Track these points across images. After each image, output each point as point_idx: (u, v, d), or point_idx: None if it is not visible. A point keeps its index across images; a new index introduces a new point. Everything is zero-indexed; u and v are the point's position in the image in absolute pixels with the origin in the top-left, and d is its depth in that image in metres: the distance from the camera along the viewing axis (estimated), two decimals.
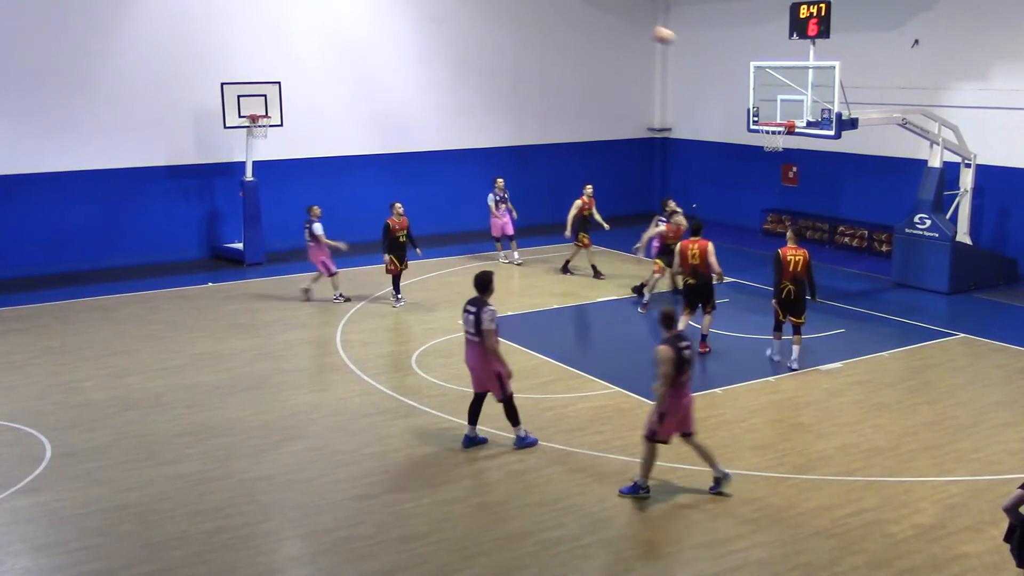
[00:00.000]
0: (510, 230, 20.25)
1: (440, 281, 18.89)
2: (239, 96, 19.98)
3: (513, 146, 24.86)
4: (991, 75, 19.21)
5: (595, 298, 17.71)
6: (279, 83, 20.43)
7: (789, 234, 13.78)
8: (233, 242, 21.26)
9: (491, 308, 10.45)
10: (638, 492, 9.59)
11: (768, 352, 13.98)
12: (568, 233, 19.06)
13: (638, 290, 17.38)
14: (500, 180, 20.43)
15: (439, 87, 23.70)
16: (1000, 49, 18.99)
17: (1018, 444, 10.97)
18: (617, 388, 12.67)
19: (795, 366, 13.53)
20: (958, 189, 18.34)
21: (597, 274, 19.18)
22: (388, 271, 17.00)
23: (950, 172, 18.17)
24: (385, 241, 16.84)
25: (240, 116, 20.01)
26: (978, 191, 18.69)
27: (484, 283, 10.67)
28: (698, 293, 14.24)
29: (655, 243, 17.15)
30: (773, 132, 17.43)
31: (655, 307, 16.59)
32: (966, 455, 10.66)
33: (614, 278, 19.03)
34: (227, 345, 14.95)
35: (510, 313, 16.78)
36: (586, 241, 19.03)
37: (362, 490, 9.90)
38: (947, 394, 12.64)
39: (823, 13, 16.62)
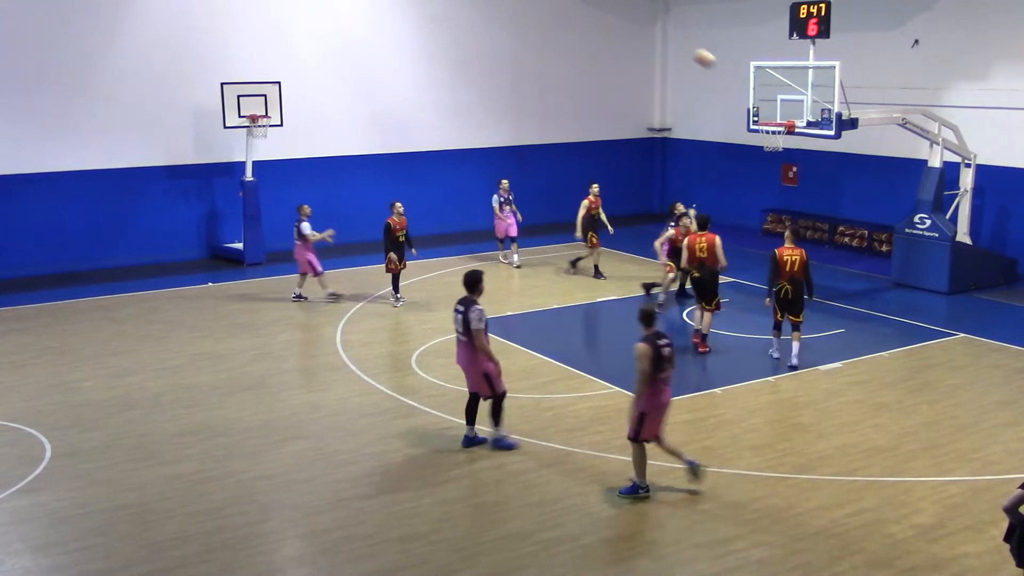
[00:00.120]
0: (513, 232, 20.14)
1: (440, 281, 18.89)
2: (239, 96, 19.99)
3: (513, 146, 24.86)
4: (991, 75, 19.21)
5: (595, 298, 17.71)
6: (279, 83, 20.43)
7: (787, 233, 13.83)
8: (233, 242, 21.26)
9: (479, 307, 10.45)
10: (637, 492, 9.60)
11: (770, 351, 13.98)
12: (579, 234, 18.95)
13: (648, 288, 17.36)
14: (505, 181, 20.32)
15: (439, 87, 23.70)
16: (1000, 49, 18.99)
17: (1018, 444, 10.97)
18: (617, 388, 12.66)
19: (795, 361, 13.57)
20: (958, 189, 18.35)
21: (597, 274, 19.16)
22: (388, 270, 17.01)
23: (950, 172, 18.17)
24: (386, 240, 16.85)
25: (240, 116, 20.01)
26: (978, 191, 18.70)
27: (473, 282, 10.68)
28: (702, 286, 14.42)
29: (665, 247, 17.14)
30: (773, 132, 17.42)
31: (670, 307, 16.66)
32: (966, 455, 10.66)
33: (614, 278, 19.02)
34: (227, 345, 14.95)
35: (510, 313, 16.80)
36: (595, 241, 18.98)
37: (362, 490, 9.90)
38: (947, 394, 12.64)
39: (823, 13, 16.62)
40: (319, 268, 17.32)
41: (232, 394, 12.79)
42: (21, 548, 8.81)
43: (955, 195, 18.32)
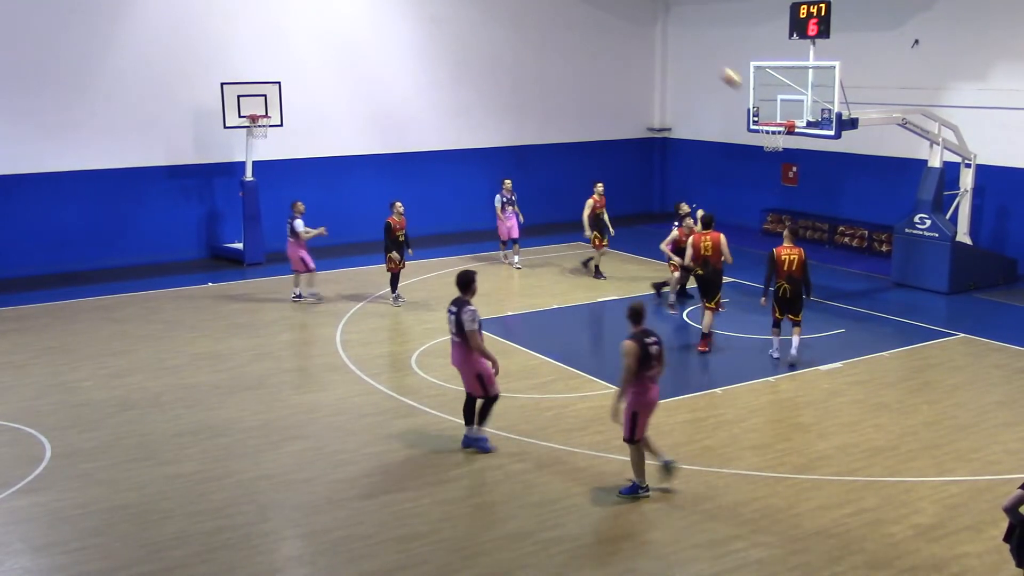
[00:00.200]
0: (515, 233, 20.01)
1: (440, 281, 18.87)
2: (239, 96, 19.98)
3: (513, 146, 24.85)
4: (991, 75, 19.21)
5: (595, 298, 17.70)
6: (279, 83, 20.43)
7: (785, 232, 13.88)
8: (233, 242, 21.26)
9: (471, 308, 10.43)
10: (637, 492, 9.60)
11: (770, 351, 13.99)
12: (588, 233, 18.86)
13: (659, 287, 17.33)
14: (508, 181, 20.16)
15: (439, 87, 23.70)
16: (1000, 49, 18.99)
17: (1018, 444, 10.97)
18: (617, 388, 12.63)
19: (794, 353, 13.69)
20: (958, 189, 18.35)
21: (598, 274, 19.15)
22: (389, 269, 17.02)
23: (950, 172, 18.17)
24: (387, 240, 16.86)
25: (240, 116, 20.01)
26: (978, 191, 18.70)
27: (466, 283, 10.65)
28: (706, 284, 14.51)
29: (668, 247, 17.09)
30: (773, 132, 17.42)
31: (680, 304, 16.66)
32: (966, 455, 10.66)
33: (615, 278, 19.02)
34: (227, 345, 14.95)
35: (510, 313, 16.81)
36: (597, 241, 18.92)
37: (362, 490, 9.90)
38: (947, 394, 12.64)
39: (823, 13, 16.62)
40: (311, 265, 17.29)
41: (232, 394, 12.79)
42: (21, 548, 8.81)
43: (955, 195, 18.32)
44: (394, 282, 17.17)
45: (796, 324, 13.64)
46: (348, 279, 19.20)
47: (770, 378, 13.24)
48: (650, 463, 9.77)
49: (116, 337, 15.43)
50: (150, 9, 20.30)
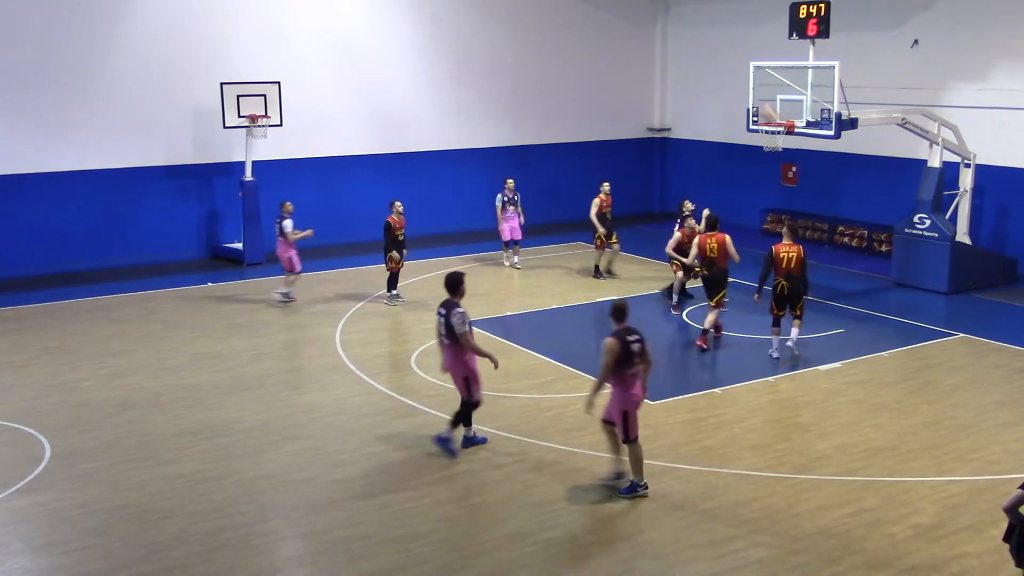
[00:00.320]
0: (518, 235, 19.92)
1: (440, 281, 18.76)
2: (239, 96, 19.98)
3: (512, 146, 24.85)
4: (991, 75, 19.21)
5: (595, 298, 17.69)
6: (279, 83, 20.43)
7: (785, 229, 13.95)
8: (233, 242, 21.25)
9: (460, 311, 10.42)
10: (636, 490, 9.61)
11: (770, 351, 13.99)
12: (601, 231, 18.71)
13: (668, 293, 17.20)
14: (510, 181, 20.02)
15: (439, 87, 23.70)
16: (1000, 49, 18.99)
17: (1018, 444, 10.97)
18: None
19: (790, 344, 13.79)
20: (958, 189, 18.35)
21: (598, 274, 19.15)
22: (388, 268, 17.02)
23: (950, 172, 18.17)
24: (387, 239, 16.86)
25: (240, 116, 20.00)
26: (978, 191, 18.70)
27: (454, 284, 10.65)
28: (711, 284, 14.62)
29: (673, 249, 17.02)
30: (773, 132, 17.43)
31: (681, 304, 16.65)
32: (966, 455, 10.66)
33: (614, 279, 19.01)
34: (227, 345, 14.94)
35: (510, 313, 16.81)
36: (600, 242, 18.90)
37: (362, 490, 9.90)
38: (947, 394, 12.64)
39: (823, 13, 16.61)
40: (297, 267, 17.16)
41: (232, 394, 12.79)
42: (21, 548, 8.81)
43: (955, 195, 18.32)
44: (393, 281, 17.17)
45: (797, 317, 13.71)
46: (348, 279, 19.20)
47: (770, 378, 13.24)
48: (649, 462, 9.77)
49: (116, 337, 15.43)
50: (150, 9, 20.30)
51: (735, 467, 10.32)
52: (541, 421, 11.66)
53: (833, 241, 22.17)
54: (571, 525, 9.14)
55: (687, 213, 16.98)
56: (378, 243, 17.32)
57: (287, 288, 17.35)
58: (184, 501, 9.66)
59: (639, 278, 18.89)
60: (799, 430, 11.55)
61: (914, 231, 18.09)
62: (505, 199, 19.77)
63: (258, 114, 20.08)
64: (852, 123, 16.65)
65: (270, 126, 20.29)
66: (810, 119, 16.85)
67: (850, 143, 19.09)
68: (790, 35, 17.25)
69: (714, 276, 14.55)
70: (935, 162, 17.87)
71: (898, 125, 17.88)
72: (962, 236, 18.26)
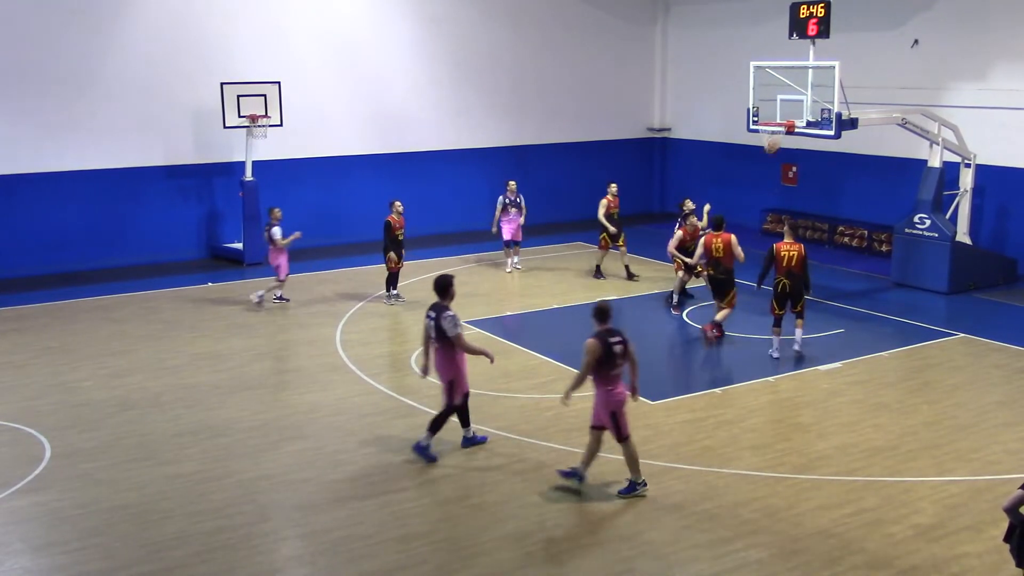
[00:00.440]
0: (518, 236, 19.87)
1: None
2: (239, 96, 19.98)
3: (512, 146, 24.85)
4: (991, 75, 19.21)
5: (595, 298, 17.63)
6: (279, 83, 20.43)
7: (786, 228, 14.01)
8: (233, 242, 21.25)
9: (451, 314, 10.40)
10: (635, 489, 9.61)
11: (770, 351, 13.99)
12: (612, 230, 18.65)
13: (670, 297, 17.06)
14: (512, 183, 19.85)
15: (439, 87, 23.70)
16: (1000, 49, 18.99)
17: (1018, 444, 10.97)
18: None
19: (796, 347, 13.81)
20: (958, 189, 18.35)
21: (598, 274, 19.14)
22: (388, 268, 17.01)
23: (950, 172, 18.17)
24: (387, 239, 16.85)
25: (240, 116, 20.00)
26: (978, 191, 18.70)
27: (443, 287, 10.62)
28: (718, 284, 14.67)
29: (675, 247, 17.00)
30: (773, 132, 17.44)
31: (681, 304, 16.64)
32: (966, 455, 10.66)
33: (615, 278, 19.01)
34: (227, 345, 14.94)
35: (510, 313, 16.81)
36: (604, 243, 18.88)
37: (361, 490, 9.90)
38: (947, 394, 12.64)
39: (823, 13, 16.61)
40: (282, 275, 16.91)
41: (232, 394, 12.79)
42: (21, 548, 8.81)
43: (955, 195, 18.32)
44: (392, 281, 17.17)
45: (799, 316, 13.71)
46: (347, 279, 19.20)
47: (770, 378, 13.24)
48: (649, 462, 9.77)
49: (116, 337, 15.43)
50: (150, 9, 20.30)
51: (735, 467, 10.32)
52: (541, 421, 11.66)
53: (833, 241, 22.16)
54: (571, 525, 9.14)
55: (688, 212, 16.97)
56: (378, 243, 17.32)
57: (263, 292, 17.04)
58: (184, 501, 9.66)
59: (640, 278, 18.87)
60: (799, 430, 11.54)
61: (914, 231, 18.08)
62: (507, 201, 19.64)
63: (258, 114, 20.08)
64: (852, 123, 16.65)
65: (270, 126, 20.29)
66: (810, 119, 16.85)
67: (850, 143, 19.09)
68: (790, 35, 17.25)
69: (720, 276, 14.59)
70: (935, 162, 17.87)
71: (898, 125, 17.88)
72: (962, 236, 18.26)
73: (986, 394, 12.61)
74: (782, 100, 17.32)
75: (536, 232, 22.77)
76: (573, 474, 9.78)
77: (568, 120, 25.62)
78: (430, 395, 12.57)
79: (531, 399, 12.38)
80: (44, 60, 19.40)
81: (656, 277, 18.97)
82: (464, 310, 16.12)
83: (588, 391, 9.82)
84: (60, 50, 19.51)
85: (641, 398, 12.03)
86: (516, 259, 20.15)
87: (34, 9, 19.22)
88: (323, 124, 22.30)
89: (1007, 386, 12.91)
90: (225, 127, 20.04)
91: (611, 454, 10.60)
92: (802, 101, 16.94)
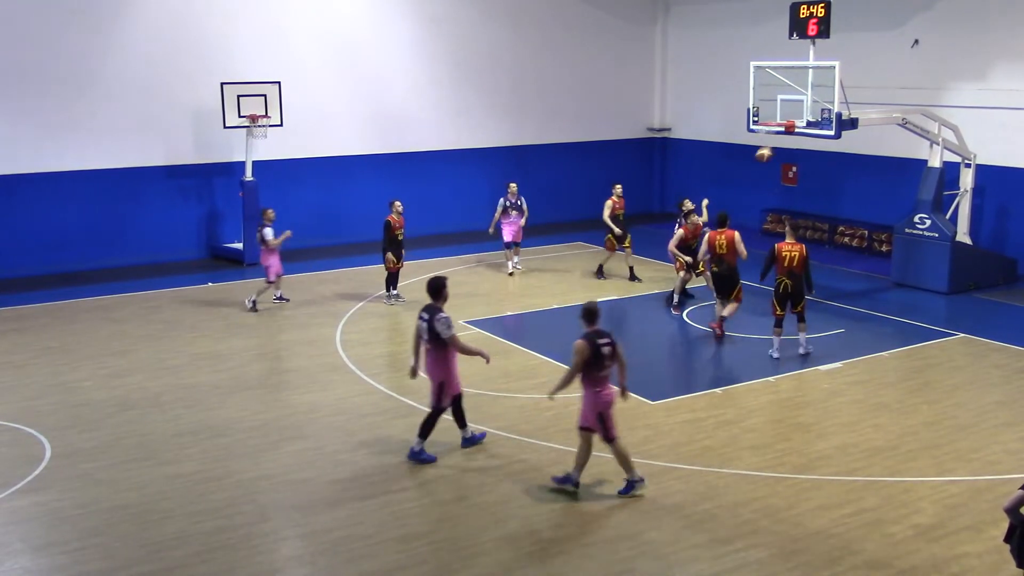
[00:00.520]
0: (519, 237, 19.80)
1: None
2: (239, 96, 19.98)
3: (512, 146, 24.85)
4: (991, 75, 19.21)
5: (595, 298, 17.64)
6: (279, 83, 20.43)
7: (787, 228, 14.04)
8: (233, 242, 21.25)
9: (443, 316, 10.38)
10: (634, 487, 9.62)
11: (770, 351, 13.99)
12: (618, 231, 18.59)
13: (671, 297, 17.04)
14: (513, 185, 19.75)
15: (439, 87, 23.70)
16: (1000, 49, 18.99)
17: (1018, 444, 10.97)
18: (616, 388, 12.62)
19: (801, 351, 13.86)
20: (958, 189, 18.35)
21: (600, 274, 19.14)
22: (388, 268, 17.01)
23: (950, 172, 18.17)
24: (386, 239, 16.85)
25: (240, 116, 20.00)
26: (978, 191, 18.70)
27: (436, 289, 10.59)
28: (723, 281, 14.71)
29: (676, 246, 16.97)
30: (773, 132, 17.44)
31: (682, 304, 16.63)
32: (966, 455, 10.66)
33: (615, 278, 19.01)
34: (227, 345, 14.94)
35: (509, 313, 16.81)
36: (610, 244, 18.82)
37: (362, 490, 9.90)
38: (947, 394, 12.64)
39: (823, 13, 16.61)
40: (272, 277, 16.81)
41: (232, 394, 12.79)
42: (21, 548, 8.81)
43: (955, 195, 18.32)
44: (392, 281, 17.17)
45: (801, 319, 13.76)
46: (348, 279, 19.20)
47: (770, 378, 13.24)
48: (649, 462, 9.76)
49: (116, 337, 15.43)
50: (150, 9, 20.30)
51: (735, 467, 10.32)
52: (541, 421, 11.65)
53: (833, 241, 22.16)
54: (571, 525, 9.14)
55: (687, 211, 16.96)
56: (378, 243, 17.31)
57: (256, 296, 16.92)
58: (184, 501, 9.66)
59: (642, 281, 18.86)
60: (799, 430, 11.54)
61: (914, 231, 18.08)
62: (508, 203, 19.54)
63: (258, 114, 20.08)
64: (852, 123, 16.65)
65: (270, 126, 20.28)
66: (810, 119, 16.85)
67: (850, 143, 19.09)
68: (790, 35, 17.25)
69: (724, 273, 14.65)
70: (935, 162, 17.87)
71: (898, 125, 17.88)
72: (962, 236, 18.26)
73: (986, 394, 12.61)
74: (782, 100, 17.33)
75: (536, 232, 22.76)
76: (567, 480, 9.78)
77: (568, 120, 25.62)
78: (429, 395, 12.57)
79: (531, 399, 12.38)
80: (44, 60, 19.41)
81: (656, 277, 18.97)
82: (464, 310, 16.21)
83: (575, 391, 9.80)
84: (60, 50, 19.52)
85: (641, 398, 12.09)
86: (516, 260, 20.15)
87: (34, 9, 19.22)
88: (323, 124, 22.30)
89: (1007, 386, 12.91)
90: (225, 127, 20.03)
91: (609, 454, 10.61)
92: (802, 101, 16.94)
